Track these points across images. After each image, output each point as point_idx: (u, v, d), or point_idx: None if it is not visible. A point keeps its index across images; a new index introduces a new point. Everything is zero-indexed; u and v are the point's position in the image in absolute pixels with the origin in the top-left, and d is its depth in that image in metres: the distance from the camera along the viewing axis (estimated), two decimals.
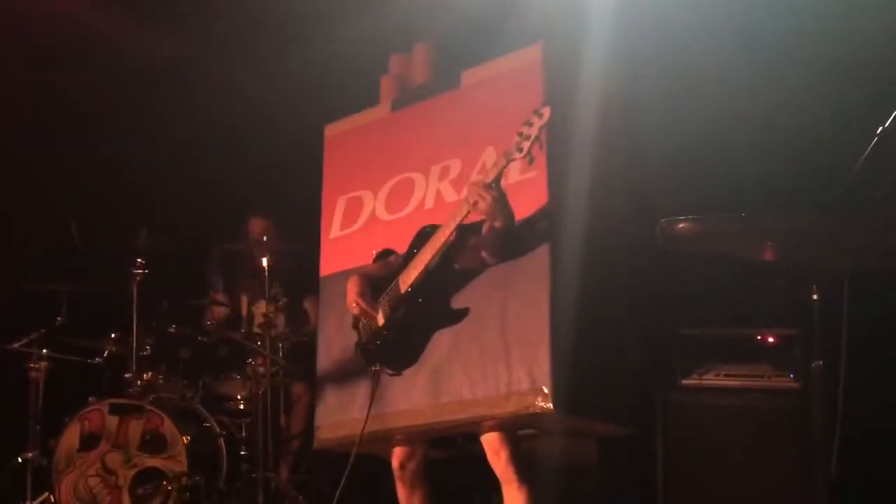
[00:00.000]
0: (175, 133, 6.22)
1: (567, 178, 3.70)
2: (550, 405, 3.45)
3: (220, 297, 5.87)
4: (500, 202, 3.57)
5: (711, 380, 4.35)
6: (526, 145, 3.48)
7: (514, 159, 3.53)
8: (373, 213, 4.25)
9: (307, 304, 5.81)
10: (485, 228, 3.71)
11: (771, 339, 4.16)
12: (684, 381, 4.36)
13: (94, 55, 5.91)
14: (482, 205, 3.55)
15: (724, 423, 4.25)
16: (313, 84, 5.60)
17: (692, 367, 4.36)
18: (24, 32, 5.79)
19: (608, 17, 4.11)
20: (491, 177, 3.57)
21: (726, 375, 4.34)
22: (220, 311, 5.76)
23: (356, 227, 4.31)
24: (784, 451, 3.97)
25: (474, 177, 3.76)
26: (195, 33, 5.85)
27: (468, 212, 3.60)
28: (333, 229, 4.39)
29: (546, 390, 3.47)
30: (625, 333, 3.95)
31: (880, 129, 2.67)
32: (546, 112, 3.48)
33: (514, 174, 3.75)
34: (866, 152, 2.64)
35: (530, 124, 3.50)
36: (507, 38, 4.11)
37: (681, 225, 2.69)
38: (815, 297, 2.69)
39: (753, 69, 4.22)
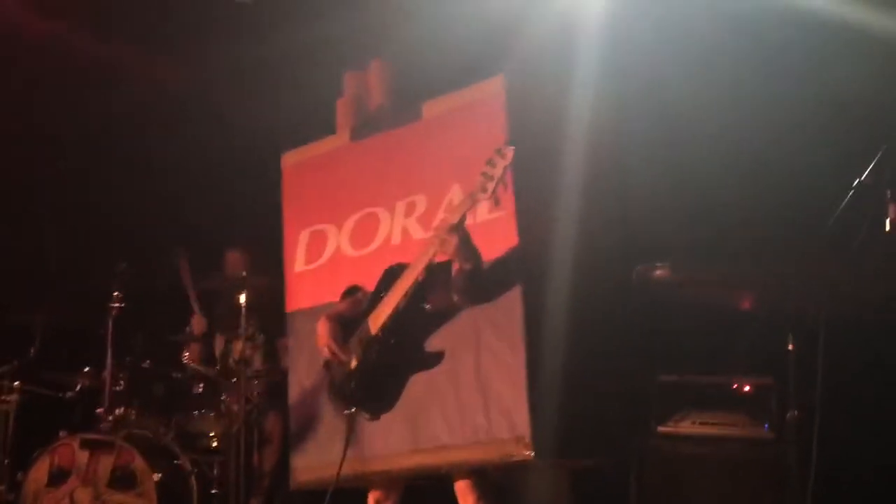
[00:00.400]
0: (156, 168, 6.25)
1: (539, 217, 3.71)
2: (531, 453, 3.48)
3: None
4: (465, 244, 3.58)
5: (687, 427, 4.32)
6: (490, 185, 3.47)
7: (479, 200, 3.52)
8: (338, 248, 4.24)
9: (279, 344, 5.72)
10: (453, 270, 3.70)
11: (747, 388, 4.14)
12: (660, 428, 4.34)
13: (86, 87, 5.95)
14: (447, 247, 3.56)
15: (698, 471, 4.22)
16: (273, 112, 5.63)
17: (668, 414, 4.34)
18: None
19: (592, 52, 4.13)
20: (456, 218, 3.55)
21: (702, 423, 4.31)
22: (196, 348, 5.71)
23: (321, 261, 4.29)
24: (758, 501, 3.97)
25: (440, 216, 3.75)
26: (200, 67, 5.88)
27: (435, 252, 3.60)
28: (298, 263, 4.38)
29: (527, 439, 3.48)
30: (602, 378, 3.94)
31: (857, 181, 2.71)
32: (509, 152, 3.47)
33: (482, 213, 3.73)
34: (844, 202, 2.67)
35: (493, 164, 3.48)
36: (467, 64, 4.14)
37: (657, 272, 2.70)
38: (790, 346, 2.71)
39: (739, 113, 4.24)
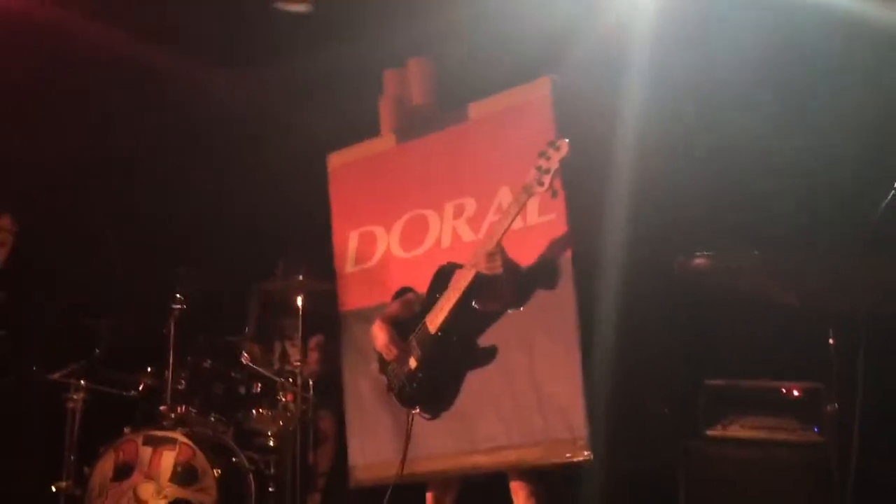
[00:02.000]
0: (217, 177, 6.34)
1: (589, 219, 3.73)
2: (590, 454, 3.50)
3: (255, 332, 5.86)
4: (506, 266, 3.63)
5: (735, 431, 4.32)
6: (547, 179, 3.48)
7: (535, 193, 3.52)
8: (387, 249, 4.25)
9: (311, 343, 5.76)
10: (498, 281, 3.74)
11: (796, 393, 4.14)
12: (708, 432, 4.34)
13: (151, 103, 6.05)
14: (489, 272, 3.62)
15: (745, 474, 4.20)
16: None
17: (716, 418, 4.35)
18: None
19: (641, 56, 4.16)
20: (493, 243, 3.60)
21: (750, 427, 4.31)
22: (255, 348, 5.75)
23: (371, 263, 4.31)
24: (806, 500, 3.96)
25: (490, 218, 3.79)
26: (259, 81, 5.95)
27: (480, 268, 3.64)
28: (349, 264, 4.40)
29: (584, 440, 3.50)
30: (653, 381, 3.96)
31: None
32: (563, 145, 3.49)
33: (532, 216, 3.76)
34: (885, 202, 2.68)
35: (548, 157, 3.50)
36: (514, 65, 4.18)
37: (697, 260, 2.72)
38: (831, 341, 2.72)
39: (784, 115, 4.24)
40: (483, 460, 3.78)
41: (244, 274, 5.83)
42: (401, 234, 4.22)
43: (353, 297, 4.34)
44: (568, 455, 3.53)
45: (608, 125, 3.86)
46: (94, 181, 6.34)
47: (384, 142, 4.39)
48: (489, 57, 4.43)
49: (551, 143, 3.54)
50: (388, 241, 4.25)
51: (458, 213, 4.02)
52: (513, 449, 3.69)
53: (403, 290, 4.11)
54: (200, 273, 5.54)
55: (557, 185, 3.53)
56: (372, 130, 4.51)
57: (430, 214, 4.13)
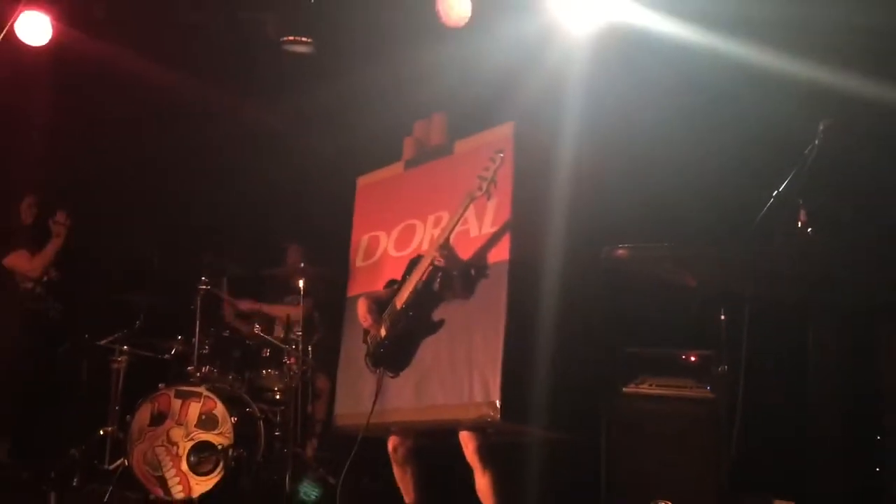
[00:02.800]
0: (235, 183, 6.31)
1: (529, 233, 3.76)
2: (499, 416, 3.52)
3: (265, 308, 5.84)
4: (452, 258, 3.72)
5: (646, 389, 4.38)
6: (484, 185, 3.62)
7: (476, 196, 3.65)
8: (385, 250, 4.31)
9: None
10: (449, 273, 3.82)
11: (693, 358, 4.20)
12: (625, 389, 4.39)
13: (183, 122, 6.00)
14: (439, 260, 3.71)
15: (653, 423, 4.26)
16: (345, 143, 5.66)
17: (631, 379, 4.40)
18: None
19: (578, 103, 4.22)
20: (443, 238, 3.72)
21: (657, 386, 4.37)
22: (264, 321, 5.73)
23: (373, 259, 4.37)
24: (701, 445, 3.99)
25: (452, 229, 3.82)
26: (273, 107, 5.95)
27: (434, 259, 3.74)
28: (358, 260, 4.45)
29: (497, 404, 3.52)
30: (572, 354, 3.95)
31: (775, 192, 2.78)
32: (498, 158, 3.63)
33: (486, 226, 3.84)
34: (767, 205, 2.73)
35: (487, 168, 3.64)
36: (484, 115, 4.21)
37: (619, 251, 2.76)
38: (722, 317, 2.77)
39: (690, 144, 4.30)
40: (425, 416, 3.81)
41: (256, 260, 5.80)
42: (396, 238, 4.29)
43: (357, 286, 4.38)
44: (484, 415, 3.55)
45: (550, 152, 3.91)
46: (136, 185, 6.31)
47: (396, 168, 4.48)
48: (472, 104, 4.49)
49: (492, 158, 3.65)
50: (387, 244, 4.32)
51: (436, 223, 4.08)
52: (446, 408, 3.71)
53: (392, 283, 4.14)
54: (222, 259, 5.50)
55: (493, 190, 3.64)
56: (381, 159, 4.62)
57: (418, 224, 4.20)
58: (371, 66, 5.26)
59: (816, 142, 2.76)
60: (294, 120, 6.03)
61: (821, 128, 2.78)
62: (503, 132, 3.97)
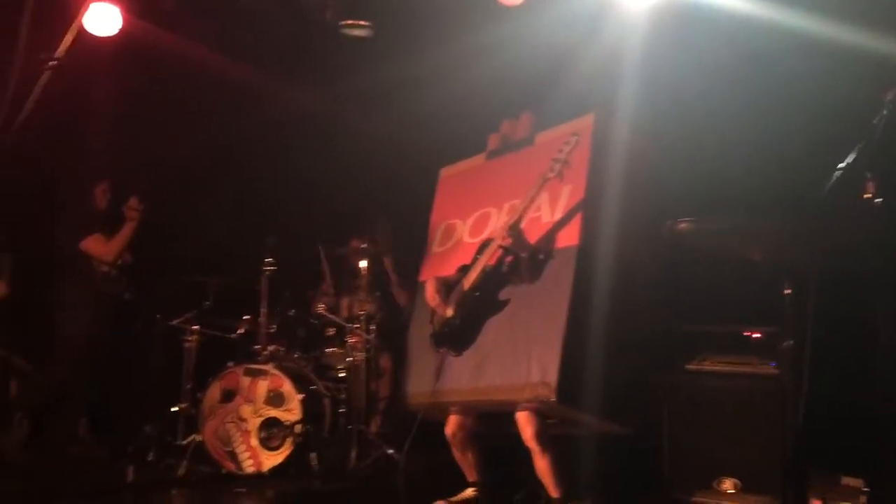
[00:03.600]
0: (299, 169, 6.40)
1: (597, 220, 3.74)
2: (554, 397, 3.51)
3: (328, 288, 5.91)
4: (519, 238, 3.73)
5: (708, 366, 4.34)
6: (557, 167, 3.63)
7: (549, 178, 3.66)
8: (461, 237, 4.35)
9: (399, 296, 5.83)
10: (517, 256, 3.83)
11: (757, 335, 4.14)
12: (687, 367, 4.36)
13: (248, 108, 6.11)
14: (507, 241, 3.73)
15: (716, 400, 4.22)
16: (423, 134, 5.68)
17: (693, 357, 4.36)
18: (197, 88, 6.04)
19: (635, 87, 4.17)
20: (514, 219, 3.71)
21: (721, 363, 4.32)
22: (328, 301, 5.81)
23: (448, 245, 4.41)
24: (766, 422, 3.94)
25: (529, 215, 3.82)
26: (334, 91, 6.00)
27: (503, 240, 3.76)
28: (434, 247, 4.50)
29: (552, 385, 3.51)
30: (632, 341, 3.91)
31: (842, 164, 2.71)
32: (574, 140, 3.63)
33: (557, 213, 3.83)
34: (832, 180, 2.67)
35: (561, 151, 3.64)
36: (566, 105, 4.20)
37: (682, 224, 2.72)
38: (787, 291, 2.72)
39: (750, 120, 4.23)
40: (482, 396, 3.82)
41: (320, 243, 5.86)
42: (471, 225, 4.32)
43: (430, 270, 4.41)
44: (538, 395, 3.54)
45: (621, 136, 3.87)
46: (205, 172, 6.43)
47: (478, 160, 4.52)
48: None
49: (566, 142, 3.64)
50: (462, 231, 4.36)
51: (510, 210, 4.07)
52: (504, 388, 3.71)
53: (463, 268, 4.16)
54: (286, 242, 5.57)
55: (565, 170, 3.62)
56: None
57: (492, 211, 4.23)
58: (428, 48, 5.27)
59: (885, 112, 2.68)
60: (355, 105, 6.06)
61: (889, 97, 2.70)
62: (584, 123, 3.97)
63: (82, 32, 2.30)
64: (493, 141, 4.52)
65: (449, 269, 4.26)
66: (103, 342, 5.44)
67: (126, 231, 5.36)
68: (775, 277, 2.72)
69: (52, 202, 5.41)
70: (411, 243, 4.95)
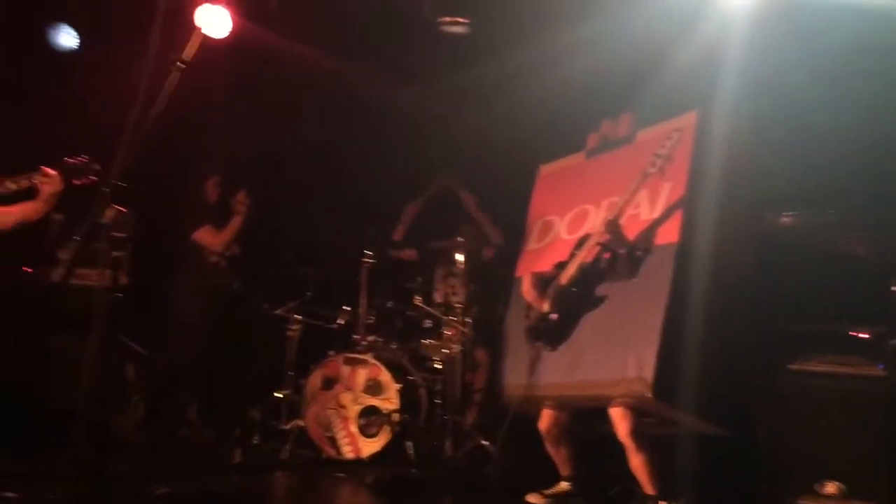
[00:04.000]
0: (398, 164, 6.51)
1: (699, 214, 3.69)
2: (650, 393, 3.48)
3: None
4: (617, 236, 3.71)
5: (813, 366, 4.22)
6: (659, 162, 3.59)
7: (649, 174, 3.64)
8: (558, 234, 4.35)
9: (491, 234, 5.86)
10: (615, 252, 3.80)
11: (864, 335, 4.00)
12: (790, 366, 4.26)
13: (347, 104, 6.27)
14: (606, 238, 3.73)
15: (820, 402, 4.10)
16: (523, 132, 5.70)
17: (796, 357, 4.25)
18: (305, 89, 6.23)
19: (735, 82, 4.08)
20: (614, 213, 3.70)
21: (826, 363, 4.20)
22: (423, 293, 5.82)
23: (545, 242, 4.42)
24: (874, 425, 3.83)
25: (629, 211, 3.79)
26: (431, 87, 6.08)
27: (601, 236, 3.76)
28: (530, 244, 4.51)
29: (649, 381, 3.48)
30: (731, 339, 3.83)
31: None
32: (676, 135, 3.59)
33: (657, 210, 3.80)
34: None
35: (663, 146, 3.61)
36: (664, 102, 4.16)
37: (786, 218, 2.66)
38: (894, 288, 2.62)
39: (852, 120, 4.10)
40: (576, 391, 3.81)
41: (417, 236, 5.94)
42: (569, 222, 4.32)
43: (527, 266, 4.43)
44: (634, 391, 3.52)
45: (721, 132, 3.80)
46: (307, 167, 6.60)
47: (577, 157, 4.52)
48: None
49: (669, 136, 3.63)
50: (559, 228, 4.36)
51: (609, 208, 4.05)
52: (598, 383, 3.70)
53: (560, 265, 4.16)
54: (385, 235, 5.70)
55: (667, 165, 3.57)
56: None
57: (591, 208, 4.22)
58: (525, 45, 5.29)
59: None
60: (452, 101, 6.11)
61: None
62: (686, 121, 3.91)
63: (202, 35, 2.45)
64: (592, 140, 4.51)
65: (545, 265, 4.27)
66: (213, 330, 5.68)
67: (234, 223, 5.57)
68: (883, 275, 2.63)
69: (171, 195, 5.66)
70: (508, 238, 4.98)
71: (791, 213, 2.59)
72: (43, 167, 3.50)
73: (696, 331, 3.57)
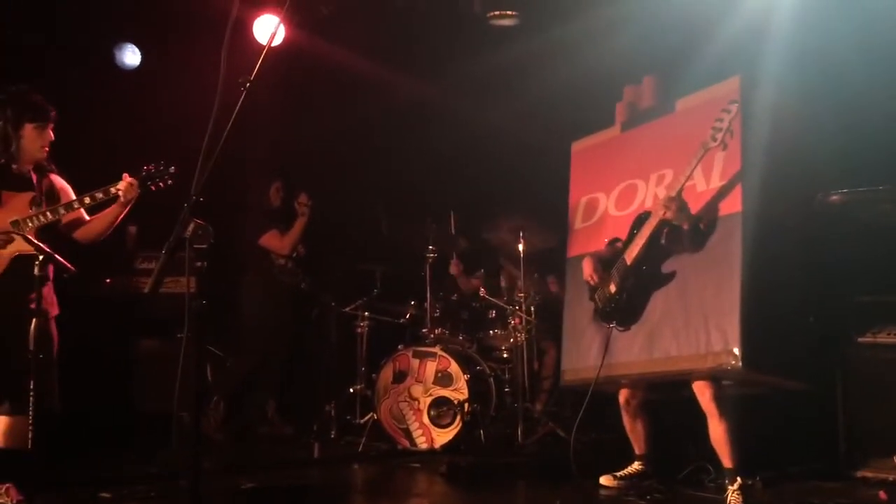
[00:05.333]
0: (448, 151, 6.61)
1: (759, 183, 3.66)
2: (740, 364, 3.48)
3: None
4: (682, 209, 3.65)
5: (884, 338, 4.20)
6: (720, 136, 3.52)
7: (710, 147, 3.57)
8: (606, 210, 4.33)
9: (548, 280, 5.92)
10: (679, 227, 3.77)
11: None
12: (859, 339, 4.24)
13: (387, 96, 6.36)
14: (669, 214, 3.66)
15: (893, 373, 4.11)
16: (552, 112, 5.75)
17: (866, 329, 4.23)
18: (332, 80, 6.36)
19: (782, 53, 4.05)
20: (676, 188, 3.65)
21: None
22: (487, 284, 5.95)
23: (593, 220, 4.40)
24: None
25: (681, 182, 3.75)
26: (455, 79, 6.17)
27: (664, 212, 3.70)
28: (577, 222, 4.50)
29: (737, 352, 3.48)
30: (805, 304, 3.86)
31: None
32: (734, 108, 3.51)
33: (715, 180, 3.77)
34: None
35: (721, 119, 3.53)
36: (706, 71, 4.13)
37: (834, 196, 2.66)
38: None
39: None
40: (659, 367, 3.80)
41: (478, 229, 5.98)
42: (616, 198, 4.30)
43: (578, 246, 4.45)
44: (723, 363, 3.52)
45: (770, 99, 3.75)
46: (369, 168, 6.76)
47: (612, 131, 4.48)
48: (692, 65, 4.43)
49: (725, 109, 3.56)
50: (607, 204, 4.34)
51: (660, 181, 4.05)
52: (682, 359, 3.70)
53: (614, 241, 4.18)
54: (448, 230, 5.78)
55: (728, 140, 3.55)
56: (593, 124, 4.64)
57: (639, 183, 4.18)
58: (562, 20, 5.35)
59: None
60: (490, 86, 6.18)
61: None
62: (729, 87, 3.85)
63: (258, 49, 2.58)
64: (620, 110, 4.47)
65: (597, 244, 4.27)
66: (286, 331, 5.84)
67: (299, 225, 5.70)
68: None
69: (235, 204, 5.85)
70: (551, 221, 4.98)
71: (841, 191, 2.58)
72: (125, 174, 3.72)
73: (772, 297, 3.58)
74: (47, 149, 3.75)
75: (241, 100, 2.49)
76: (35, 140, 3.70)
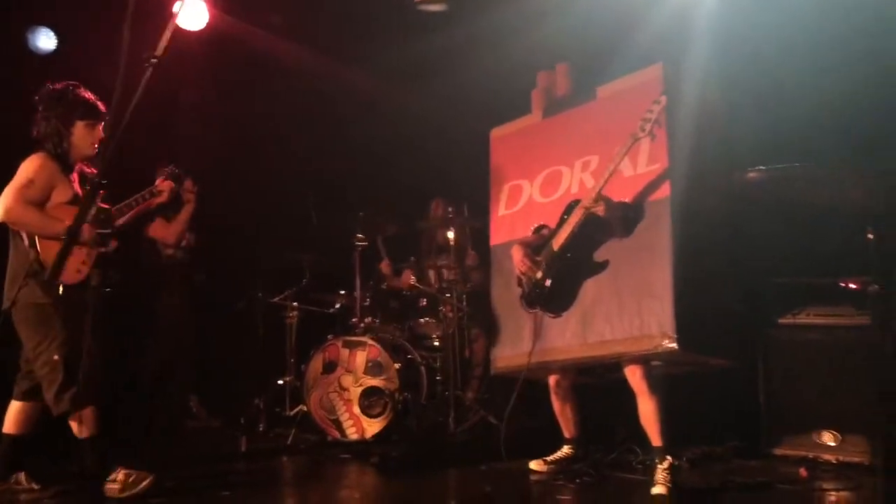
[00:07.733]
0: (383, 149, 6.55)
1: (684, 168, 3.71)
2: (675, 345, 3.53)
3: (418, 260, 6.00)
4: (609, 206, 3.70)
5: (803, 319, 4.29)
6: (648, 126, 3.57)
7: (639, 138, 3.62)
8: (530, 197, 4.33)
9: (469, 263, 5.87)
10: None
11: (853, 286, 4.04)
12: (780, 321, 4.32)
13: (317, 83, 6.29)
14: (599, 210, 3.71)
15: (812, 353, 4.19)
16: (477, 101, 5.71)
17: (786, 310, 4.32)
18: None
19: (706, 42, 4.11)
20: (604, 179, 3.69)
21: (815, 315, 4.27)
22: (415, 272, 5.87)
23: (517, 208, 4.40)
24: (865, 374, 3.88)
25: (609, 168, 3.76)
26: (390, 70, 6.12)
27: (591, 207, 3.74)
28: (500, 209, 4.49)
29: (671, 334, 3.53)
30: (728, 286, 3.91)
31: None
32: (663, 99, 3.57)
33: (641, 166, 3.79)
34: None
35: (651, 110, 3.58)
36: (627, 60, 4.15)
37: (751, 173, 2.69)
38: (870, 236, 2.66)
39: (815, 65, 4.13)
40: (593, 352, 3.84)
41: (407, 217, 5.93)
42: (541, 185, 4.30)
43: (501, 235, 4.45)
44: (659, 346, 3.57)
45: (692, 86, 3.81)
46: (298, 158, 6.63)
47: (532, 118, 4.48)
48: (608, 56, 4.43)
49: (655, 101, 3.62)
50: (531, 191, 4.34)
51: (585, 167, 4.07)
52: (616, 342, 3.73)
53: (540, 227, 4.19)
54: (375, 218, 5.68)
55: (656, 130, 3.59)
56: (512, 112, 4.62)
57: (564, 169, 4.20)
58: (486, 13, 5.34)
59: None
60: (422, 77, 6.14)
61: None
62: (651, 74, 3.89)
63: (176, 29, 2.46)
64: (536, 96, 4.48)
65: (523, 231, 4.27)
66: (189, 324, 5.61)
67: (185, 213, 5.36)
68: (856, 224, 2.67)
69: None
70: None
71: (757, 168, 2.61)
72: (159, 180, 3.94)
73: (699, 279, 3.63)
74: (97, 146, 3.72)
75: (147, 76, 2.36)
76: (85, 137, 3.73)
